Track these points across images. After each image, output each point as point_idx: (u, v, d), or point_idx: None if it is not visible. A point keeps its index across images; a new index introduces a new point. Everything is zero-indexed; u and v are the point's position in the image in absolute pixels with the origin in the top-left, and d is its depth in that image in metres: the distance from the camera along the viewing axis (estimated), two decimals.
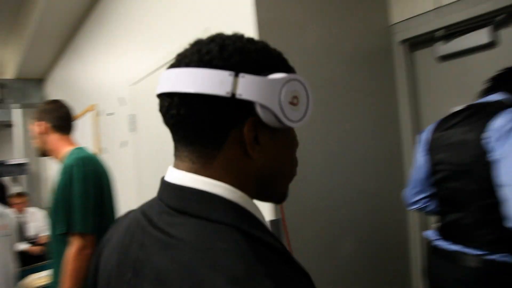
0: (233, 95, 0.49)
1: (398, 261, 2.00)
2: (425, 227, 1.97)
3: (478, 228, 1.30)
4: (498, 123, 1.26)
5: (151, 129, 2.29)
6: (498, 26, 1.80)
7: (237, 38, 0.54)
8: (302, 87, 0.54)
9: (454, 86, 1.97)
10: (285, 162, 0.58)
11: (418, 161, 1.60)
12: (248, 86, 0.49)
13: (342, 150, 1.79)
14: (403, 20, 2.03)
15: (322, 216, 1.68)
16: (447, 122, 1.50)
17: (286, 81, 0.52)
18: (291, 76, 0.53)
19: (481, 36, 1.82)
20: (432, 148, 1.52)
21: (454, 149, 1.42)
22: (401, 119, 2.07)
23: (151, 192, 0.58)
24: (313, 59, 1.71)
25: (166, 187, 0.55)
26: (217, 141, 0.52)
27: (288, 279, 0.43)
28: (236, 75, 0.49)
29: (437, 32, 1.91)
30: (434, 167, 1.51)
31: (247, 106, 0.50)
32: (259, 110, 0.51)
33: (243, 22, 1.50)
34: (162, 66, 2.06)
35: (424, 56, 2.10)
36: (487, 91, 1.47)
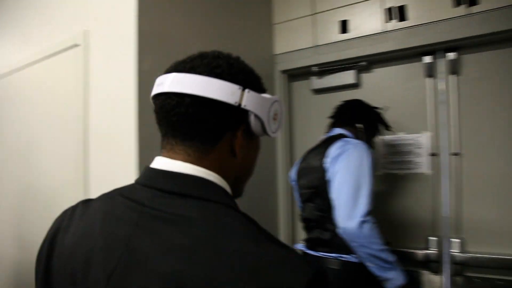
0: (239, 105, 0.59)
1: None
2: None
3: (335, 239, 1.51)
4: (332, 150, 1.57)
5: None
6: (360, 70, 2.12)
7: (237, 59, 0.66)
8: (280, 107, 0.68)
9: (325, 117, 2.23)
10: (253, 164, 0.70)
11: (294, 188, 1.79)
12: (250, 100, 0.61)
13: None
14: (285, 53, 2.22)
15: None
16: (309, 152, 1.74)
17: (274, 101, 0.66)
18: (277, 98, 0.67)
19: (348, 77, 2.12)
20: (299, 175, 1.74)
21: (308, 174, 1.66)
22: (278, 144, 2.26)
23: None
24: None
25: (158, 174, 0.60)
26: (214, 140, 0.61)
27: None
28: (243, 90, 0.60)
29: (313, 67, 2.15)
30: (300, 192, 1.72)
31: (244, 115, 0.61)
32: (252, 119, 0.62)
33: (124, 30, 1.38)
34: (34, 63, 1.82)
35: (302, 87, 2.33)
36: (333, 125, 1.78)
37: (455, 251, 1.88)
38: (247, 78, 0.63)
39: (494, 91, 1.83)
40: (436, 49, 1.93)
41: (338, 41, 2.07)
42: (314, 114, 2.29)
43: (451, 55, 1.90)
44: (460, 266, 1.88)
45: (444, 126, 1.94)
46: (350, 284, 1.49)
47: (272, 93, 2.22)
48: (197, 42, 1.67)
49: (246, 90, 0.60)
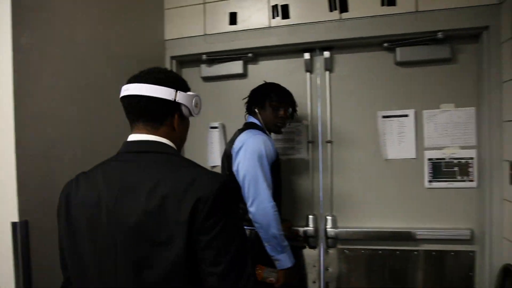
0: (174, 100, 1.01)
1: None
2: None
3: (246, 215, 1.70)
4: (236, 141, 1.76)
5: None
6: (247, 61, 2.23)
7: (171, 71, 1.11)
8: (199, 99, 1.10)
9: (214, 104, 2.28)
10: (185, 134, 1.14)
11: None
12: (180, 97, 1.02)
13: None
14: (176, 39, 2.20)
15: None
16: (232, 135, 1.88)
17: (194, 96, 1.07)
18: (196, 94, 1.08)
19: (236, 67, 2.20)
20: (222, 157, 1.91)
21: (224, 158, 1.86)
22: None
23: None
24: (81, 55, 1.59)
25: (133, 143, 1.02)
26: (161, 120, 1.03)
27: None
28: (176, 91, 1.01)
29: (203, 55, 2.18)
30: (222, 172, 1.86)
31: (178, 106, 1.03)
32: (183, 108, 1.04)
33: None
34: None
35: (192, 74, 2.33)
36: (248, 113, 1.93)
37: (329, 227, 2.12)
38: (178, 83, 1.04)
39: (360, 88, 2.13)
40: (314, 47, 2.16)
41: (227, 32, 2.15)
42: (204, 101, 2.31)
43: (326, 54, 2.13)
44: (333, 240, 2.13)
45: (319, 117, 2.17)
46: (257, 249, 1.71)
47: None
48: (84, 23, 1.56)
49: (178, 91, 1.02)
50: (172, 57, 2.24)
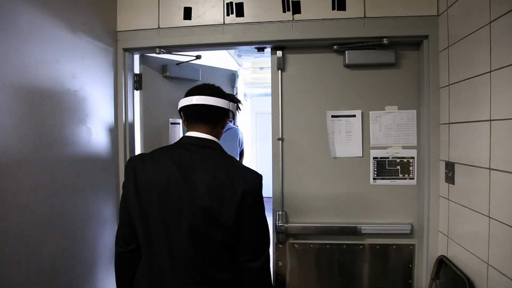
0: (228, 108, 1.44)
1: None
2: None
3: None
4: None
5: None
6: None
7: (221, 88, 1.49)
8: (236, 106, 1.59)
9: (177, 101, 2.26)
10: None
11: None
12: (231, 106, 1.46)
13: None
14: (129, 30, 2.17)
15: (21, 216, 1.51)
16: None
17: (234, 104, 1.50)
18: (235, 104, 1.52)
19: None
20: None
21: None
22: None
23: None
24: (24, 42, 1.54)
25: (196, 138, 1.39)
26: (217, 123, 1.44)
27: None
28: (229, 102, 1.45)
29: (156, 49, 2.16)
30: None
31: (228, 112, 1.46)
32: (230, 114, 1.48)
33: None
34: None
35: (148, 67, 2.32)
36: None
37: (279, 222, 2.17)
38: (228, 96, 1.48)
39: (311, 88, 2.20)
40: (267, 47, 2.21)
41: (181, 27, 2.15)
42: (164, 98, 2.32)
43: (279, 53, 2.19)
44: (283, 235, 2.17)
45: (273, 115, 2.22)
46: None
47: (115, 71, 2.19)
48: (31, 9, 1.50)
49: (230, 102, 1.45)
50: (125, 49, 2.20)
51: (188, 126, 1.44)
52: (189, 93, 1.43)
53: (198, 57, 2.42)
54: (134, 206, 1.31)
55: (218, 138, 1.44)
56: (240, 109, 2.05)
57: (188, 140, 1.39)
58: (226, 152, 1.42)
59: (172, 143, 2.38)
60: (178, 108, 1.47)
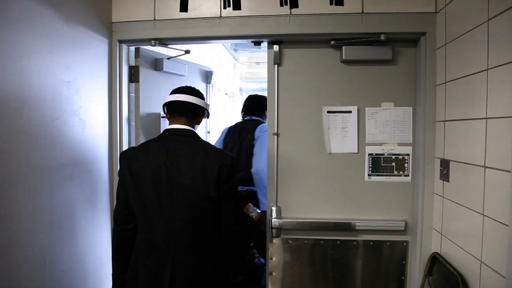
0: (206, 108, 1.76)
1: None
2: None
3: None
4: (257, 131, 2.84)
5: None
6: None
7: (201, 92, 1.78)
8: (209, 106, 1.81)
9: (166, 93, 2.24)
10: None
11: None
12: (207, 106, 1.76)
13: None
14: (124, 22, 2.14)
15: None
16: (240, 128, 3.07)
17: (208, 104, 1.77)
18: (208, 104, 1.81)
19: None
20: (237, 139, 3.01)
21: (243, 141, 2.93)
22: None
23: None
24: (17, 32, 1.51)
25: (178, 129, 1.66)
26: (195, 118, 1.73)
27: None
28: (207, 103, 1.77)
29: (152, 41, 2.14)
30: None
31: (205, 110, 1.76)
32: (206, 112, 1.77)
33: None
34: None
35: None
36: (247, 113, 3.12)
37: (273, 217, 2.16)
38: (204, 97, 1.76)
39: (307, 83, 2.19)
40: (264, 41, 2.19)
41: (177, 19, 2.12)
42: (156, 91, 2.30)
43: (276, 48, 2.17)
44: (277, 230, 2.17)
45: (269, 110, 2.21)
46: (250, 200, 2.42)
47: (109, 62, 2.17)
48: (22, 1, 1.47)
49: (207, 102, 1.75)
50: (120, 41, 2.17)
51: (170, 119, 1.71)
52: (175, 92, 1.72)
53: (187, 51, 2.47)
54: (131, 191, 1.59)
55: (195, 129, 1.74)
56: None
57: (172, 131, 1.67)
58: (202, 139, 1.71)
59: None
60: (163, 103, 1.73)
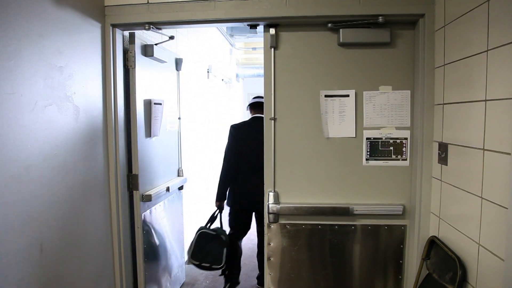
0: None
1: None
2: None
3: None
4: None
5: None
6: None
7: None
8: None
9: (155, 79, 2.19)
10: None
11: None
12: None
13: None
14: (116, 5, 2.09)
15: None
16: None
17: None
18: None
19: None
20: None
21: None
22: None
23: None
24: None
25: (258, 117, 3.14)
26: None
27: None
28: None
29: (146, 25, 2.09)
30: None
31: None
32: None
33: None
34: None
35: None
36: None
37: (271, 202, 2.16)
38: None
39: (304, 67, 2.16)
40: (260, 24, 2.15)
41: (171, 2, 2.06)
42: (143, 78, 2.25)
43: (272, 31, 2.13)
44: (274, 215, 2.17)
45: (266, 94, 2.18)
46: None
47: (103, 47, 2.13)
48: None
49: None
50: (113, 25, 2.12)
51: (253, 112, 3.25)
52: (257, 97, 3.25)
53: (171, 37, 2.50)
54: (236, 150, 3.08)
55: None
56: None
57: (254, 118, 3.20)
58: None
59: (155, 121, 2.63)
60: (248, 104, 3.29)
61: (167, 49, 2.88)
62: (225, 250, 2.88)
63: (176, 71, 3.14)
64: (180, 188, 3.22)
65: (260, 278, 3.36)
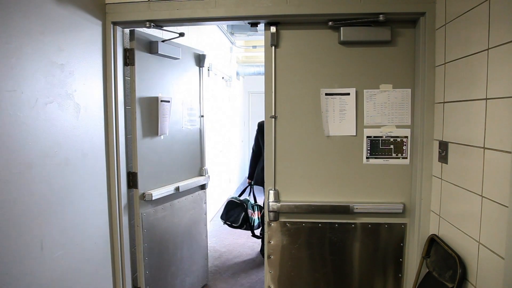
0: None
1: None
2: None
3: None
4: None
5: None
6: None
7: None
8: None
9: (162, 76, 2.20)
10: None
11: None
12: None
13: None
14: (117, 3, 2.09)
15: None
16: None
17: None
18: None
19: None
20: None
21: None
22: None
23: None
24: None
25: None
26: None
27: None
28: None
29: (147, 22, 2.09)
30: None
31: None
32: None
33: None
34: None
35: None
36: None
37: (271, 200, 2.16)
38: None
39: (305, 65, 2.15)
40: (260, 22, 2.15)
41: (172, 0, 2.06)
42: (147, 76, 2.25)
43: (273, 29, 2.13)
44: (275, 213, 2.17)
45: (266, 92, 2.18)
46: None
47: (104, 45, 2.12)
48: None
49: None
50: (114, 23, 2.12)
51: None
52: None
53: (181, 34, 2.45)
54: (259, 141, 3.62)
55: None
56: None
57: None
58: None
59: (163, 119, 2.54)
60: None
61: (182, 45, 2.80)
62: (243, 214, 3.85)
63: (197, 67, 3.08)
64: (203, 187, 3.15)
65: (262, 250, 4.02)
